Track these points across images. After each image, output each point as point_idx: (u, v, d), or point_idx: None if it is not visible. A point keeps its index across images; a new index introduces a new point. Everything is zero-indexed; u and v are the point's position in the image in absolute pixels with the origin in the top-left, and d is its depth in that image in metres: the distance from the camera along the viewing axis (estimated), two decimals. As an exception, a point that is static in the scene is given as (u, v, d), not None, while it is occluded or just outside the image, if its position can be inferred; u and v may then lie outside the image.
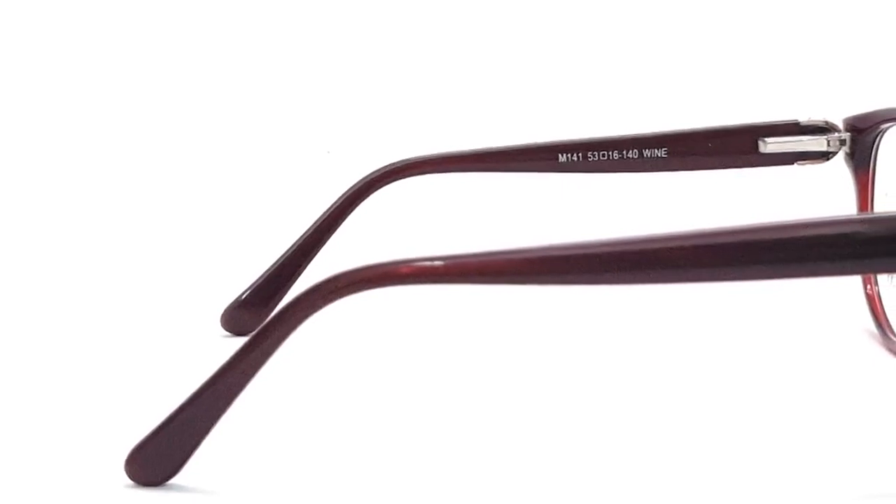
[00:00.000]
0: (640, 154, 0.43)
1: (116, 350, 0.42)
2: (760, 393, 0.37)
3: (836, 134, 0.43)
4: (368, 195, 0.44)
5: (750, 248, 0.29)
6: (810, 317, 0.45)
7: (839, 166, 0.43)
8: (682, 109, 0.63)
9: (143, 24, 0.69)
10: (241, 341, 0.30)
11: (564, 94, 0.66)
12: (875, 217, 0.32)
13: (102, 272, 0.52)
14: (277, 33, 0.69)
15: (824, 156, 0.43)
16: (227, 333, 0.44)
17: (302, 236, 0.45)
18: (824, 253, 0.29)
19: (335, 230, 0.44)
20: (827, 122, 0.43)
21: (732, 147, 0.43)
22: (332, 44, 0.69)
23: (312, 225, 0.45)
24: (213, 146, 0.66)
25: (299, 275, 0.45)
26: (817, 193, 0.44)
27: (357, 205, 0.44)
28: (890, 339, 0.42)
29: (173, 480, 0.31)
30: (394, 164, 0.44)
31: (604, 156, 0.43)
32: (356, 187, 0.44)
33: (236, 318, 0.44)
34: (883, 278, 0.42)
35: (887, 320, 0.42)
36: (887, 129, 0.42)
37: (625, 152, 0.43)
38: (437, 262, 0.29)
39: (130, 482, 0.31)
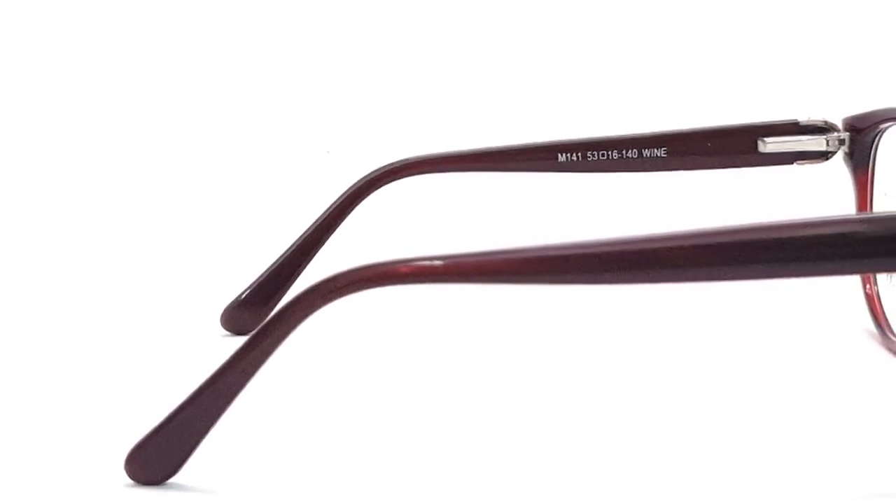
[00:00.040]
0: (640, 154, 0.43)
1: (117, 349, 0.42)
2: (760, 392, 0.38)
3: (836, 134, 0.43)
4: (368, 195, 0.44)
5: (749, 248, 0.29)
6: (809, 316, 0.45)
7: (838, 166, 0.43)
8: (681, 109, 0.63)
9: (142, 24, 0.69)
10: (240, 341, 0.30)
11: (564, 94, 0.66)
12: (874, 217, 0.32)
13: (102, 272, 0.52)
14: (277, 33, 0.69)
15: (823, 155, 0.43)
16: (227, 333, 0.44)
17: (301, 236, 0.45)
18: (823, 253, 0.29)
19: (335, 230, 0.45)
20: (826, 122, 0.43)
21: (732, 147, 0.43)
22: (331, 44, 0.69)
23: (312, 224, 0.45)
24: (213, 146, 0.66)
25: (299, 274, 0.45)
26: (816, 193, 0.44)
27: (356, 204, 0.44)
28: (889, 338, 0.42)
29: (173, 480, 0.31)
30: (393, 163, 0.44)
31: (603, 155, 0.43)
32: (356, 187, 0.44)
33: (236, 317, 0.44)
34: (882, 278, 0.42)
35: (886, 320, 0.42)
36: (886, 128, 0.42)
37: (624, 152, 0.43)
38: (436, 262, 0.29)
39: (130, 481, 0.31)
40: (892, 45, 0.66)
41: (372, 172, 0.44)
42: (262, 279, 0.45)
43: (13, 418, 0.36)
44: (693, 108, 0.62)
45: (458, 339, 0.44)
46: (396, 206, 0.48)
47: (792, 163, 0.43)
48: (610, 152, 0.43)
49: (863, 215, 0.39)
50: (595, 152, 0.43)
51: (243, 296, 0.45)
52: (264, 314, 0.44)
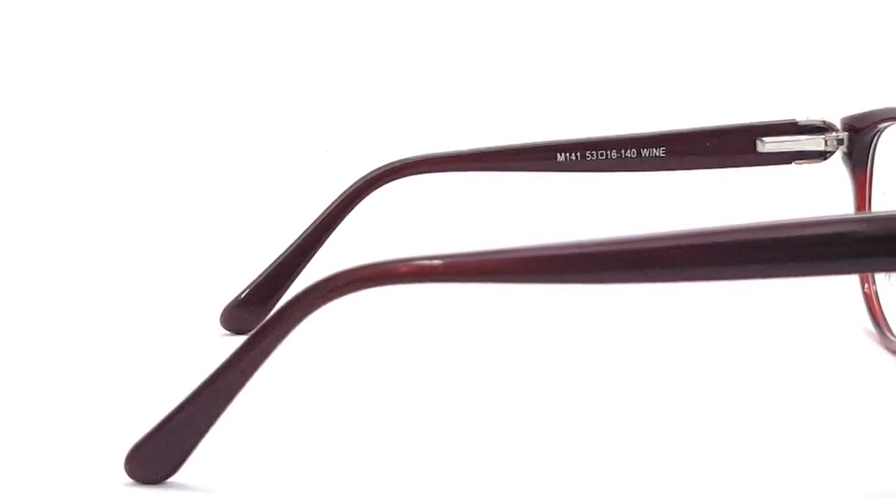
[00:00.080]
0: (639, 153, 0.43)
1: (116, 349, 0.42)
2: (759, 392, 0.38)
3: (834, 133, 0.43)
4: (367, 194, 0.44)
5: (747, 248, 0.29)
6: (808, 316, 0.45)
7: (837, 166, 0.43)
8: (680, 109, 0.63)
9: (142, 24, 0.69)
10: (240, 340, 0.30)
11: (562, 94, 0.66)
12: (872, 216, 0.32)
13: (102, 272, 0.52)
14: (277, 33, 0.69)
15: (822, 155, 0.43)
16: (227, 332, 0.44)
17: (301, 235, 0.45)
18: (822, 252, 0.29)
19: (334, 229, 0.45)
20: (825, 122, 0.43)
21: (730, 146, 0.43)
22: (331, 44, 0.69)
23: (312, 224, 0.45)
24: (212, 146, 0.66)
25: (298, 274, 0.45)
26: (815, 193, 0.44)
27: (356, 204, 0.44)
28: (888, 337, 0.42)
29: (173, 479, 0.31)
30: (392, 163, 0.44)
31: (602, 155, 0.43)
32: (355, 186, 0.44)
33: (236, 316, 0.44)
34: (880, 277, 0.42)
35: (885, 319, 0.42)
36: (885, 128, 0.42)
37: (623, 152, 0.43)
38: (435, 261, 0.29)
39: (130, 480, 0.31)
40: (891, 45, 0.66)
41: (371, 172, 0.44)
42: (261, 279, 0.45)
43: (13, 418, 0.36)
44: (692, 108, 0.62)
45: (457, 339, 0.44)
46: (396, 205, 0.48)
47: (790, 162, 0.43)
48: (609, 152, 0.43)
49: (861, 215, 0.39)
50: (594, 152, 0.43)
51: (243, 295, 0.45)
52: (264, 313, 0.44)
